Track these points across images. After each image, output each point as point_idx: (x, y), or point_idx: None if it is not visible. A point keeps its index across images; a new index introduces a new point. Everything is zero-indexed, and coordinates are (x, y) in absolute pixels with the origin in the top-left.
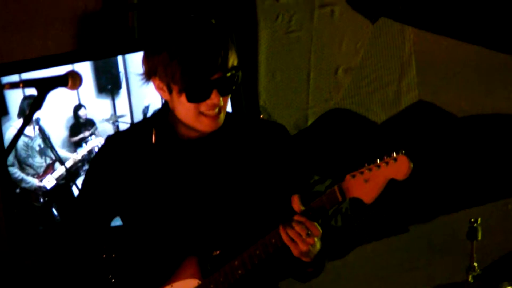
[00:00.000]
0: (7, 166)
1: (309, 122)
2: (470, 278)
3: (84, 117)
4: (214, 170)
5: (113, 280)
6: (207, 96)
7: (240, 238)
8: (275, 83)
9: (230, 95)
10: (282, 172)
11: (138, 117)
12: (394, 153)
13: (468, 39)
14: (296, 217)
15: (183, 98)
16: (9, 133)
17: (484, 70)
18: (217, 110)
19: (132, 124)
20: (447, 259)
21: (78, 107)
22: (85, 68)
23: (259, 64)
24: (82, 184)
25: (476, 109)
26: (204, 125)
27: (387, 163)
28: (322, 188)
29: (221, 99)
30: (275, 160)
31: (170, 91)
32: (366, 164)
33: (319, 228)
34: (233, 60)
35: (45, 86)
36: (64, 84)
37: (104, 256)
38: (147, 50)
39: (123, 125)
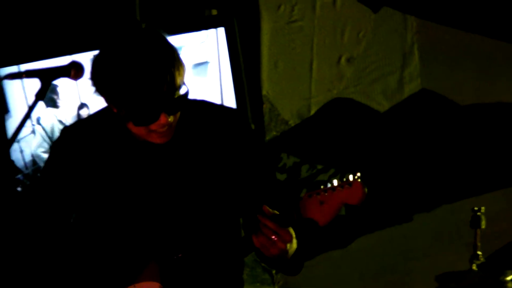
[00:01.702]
0: (9, 157)
1: (312, 112)
2: (474, 267)
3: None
4: (172, 168)
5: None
6: (155, 119)
7: (203, 237)
8: (278, 72)
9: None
10: (243, 164)
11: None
12: (350, 177)
13: (471, 28)
14: (267, 223)
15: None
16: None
17: (487, 59)
18: (167, 127)
19: (91, 115)
20: (451, 247)
21: (81, 106)
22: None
23: (262, 54)
24: (39, 178)
25: (479, 98)
26: (156, 140)
27: (342, 187)
28: (325, 177)
29: (170, 117)
30: (235, 152)
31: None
32: (322, 186)
33: (291, 233)
34: (179, 79)
35: (48, 76)
36: (67, 74)
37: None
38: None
39: None
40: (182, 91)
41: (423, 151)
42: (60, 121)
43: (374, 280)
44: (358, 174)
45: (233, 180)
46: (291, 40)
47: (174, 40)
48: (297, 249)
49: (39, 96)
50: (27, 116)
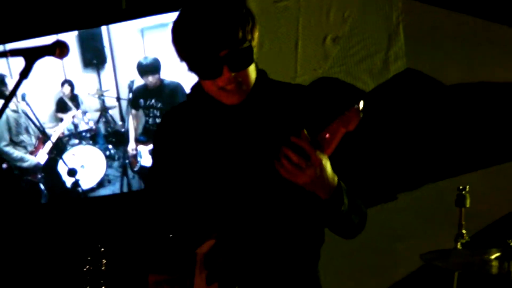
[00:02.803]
0: None
1: None
2: (458, 245)
3: (69, 93)
4: (256, 135)
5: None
6: (218, 74)
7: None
8: (263, 52)
9: (248, 68)
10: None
11: (124, 91)
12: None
13: (456, 8)
14: (296, 140)
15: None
16: None
17: (472, 38)
18: (234, 85)
19: (184, 101)
20: (436, 226)
21: (64, 82)
22: (71, 43)
23: None
24: (151, 163)
25: (464, 78)
26: (226, 99)
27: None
28: None
29: (234, 74)
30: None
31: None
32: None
33: (319, 157)
34: (245, 34)
35: (33, 55)
36: (52, 53)
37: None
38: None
39: (109, 100)
40: (247, 48)
41: (407, 131)
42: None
43: (359, 259)
44: (361, 103)
45: None
46: (276, 20)
47: (159, 18)
48: (338, 185)
49: (23, 75)
50: (12, 94)
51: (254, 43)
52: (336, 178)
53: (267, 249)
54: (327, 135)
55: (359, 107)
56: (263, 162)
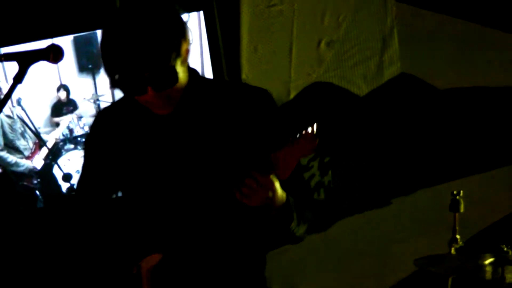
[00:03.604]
0: None
1: (292, 96)
2: (452, 251)
3: (65, 98)
4: (186, 141)
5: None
6: (143, 92)
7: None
8: (257, 56)
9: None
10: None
11: (119, 96)
12: (309, 129)
13: (450, 12)
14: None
15: None
16: None
17: (466, 43)
18: (160, 100)
19: (117, 100)
20: (430, 231)
21: (60, 87)
22: (66, 47)
23: (241, 38)
24: (83, 161)
25: (458, 82)
26: (155, 110)
27: (295, 141)
28: (304, 162)
29: (157, 94)
30: (256, 126)
31: None
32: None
33: (273, 180)
34: (169, 54)
35: (27, 59)
36: (46, 58)
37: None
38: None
39: (104, 104)
40: (171, 68)
41: (402, 135)
42: (39, 102)
43: (353, 264)
44: (314, 126)
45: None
46: (270, 24)
47: None
48: (287, 201)
49: (17, 79)
50: (6, 99)
51: (182, 57)
52: (285, 195)
53: (214, 264)
54: (280, 157)
55: (313, 131)
56: (202, 169)
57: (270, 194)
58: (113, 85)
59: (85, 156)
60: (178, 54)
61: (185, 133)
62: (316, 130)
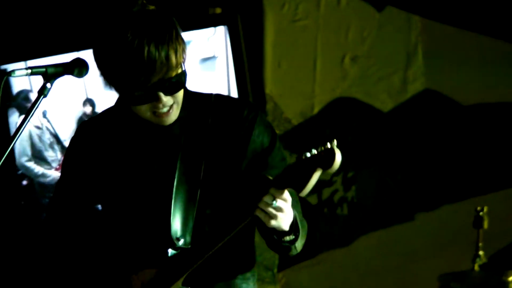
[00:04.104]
0: (14, 156)
1: (315, 111)
2: (476, 267)
3: (91, 112)
4: (181, 154)
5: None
6: (154, 99)
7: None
8: (281, 71)
9: (180, 91)
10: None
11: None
12: (328, 145)
13: (475, 28)
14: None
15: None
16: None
17: (490, 59)
18: (166, 108)
19: (104, 110)
20: (453, 247)
21: (86, 101)
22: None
23: (265, 53)
24: (61, 171)
25: (482, 98)
26: (160, 121)
27: (318, 154)
28: (327, 177)
29: (167, 98)
30: (245, 142)
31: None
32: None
33: (287, 196)
34: (176, 58)
35: (51, 74)
36: (70, 72)
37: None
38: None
39: None
40: (179, 71)
41: (426, 151)
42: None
43: (376, 280)
44: (335, 141)
45: (241, 169)
46: (295, 39)
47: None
48: (294, 219)
49: (41, 92)
50: (30, 112)
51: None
52: (293, 212)
53: (211, 273)
54: (301, 174)
55: (332, 147)
56: (193, 183)
57: (284, 212)
58: (122, 100)
59: (63, 170)
60: (184, 59)
61: (179, 145)
62: (336, 146)
